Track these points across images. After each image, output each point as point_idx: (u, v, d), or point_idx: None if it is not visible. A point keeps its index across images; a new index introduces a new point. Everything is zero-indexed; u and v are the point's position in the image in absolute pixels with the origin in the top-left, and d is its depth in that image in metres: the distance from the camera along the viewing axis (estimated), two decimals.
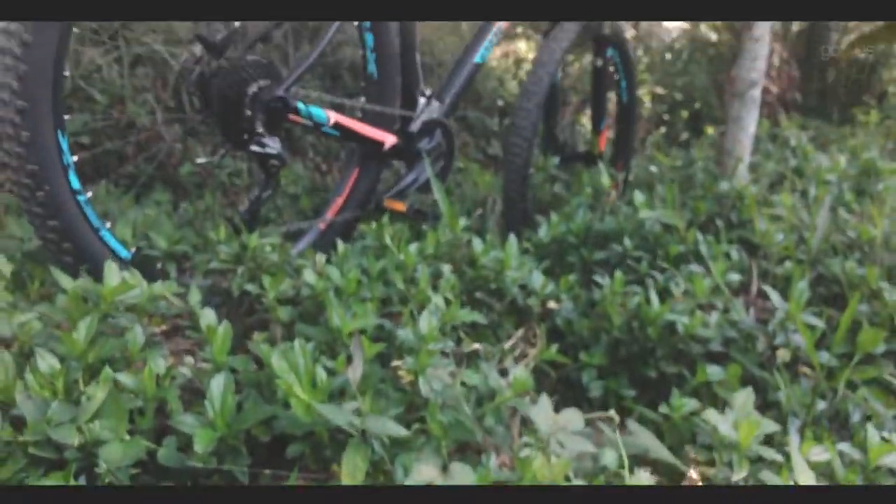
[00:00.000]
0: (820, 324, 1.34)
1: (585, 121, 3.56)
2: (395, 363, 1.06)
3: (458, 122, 3.62)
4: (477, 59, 1.97)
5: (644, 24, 4.64)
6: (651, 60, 4.56)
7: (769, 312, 1.54)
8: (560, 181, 2.24)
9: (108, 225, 1.37)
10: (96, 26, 2.41)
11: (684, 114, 4.31)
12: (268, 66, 1.50)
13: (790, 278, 1.64)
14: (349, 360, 0.92)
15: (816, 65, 5.14)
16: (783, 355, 1.31)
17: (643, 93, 4.28)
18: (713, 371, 1.27)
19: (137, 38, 2.59)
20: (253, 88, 1.46)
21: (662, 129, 4.28)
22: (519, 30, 4.63)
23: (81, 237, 1.30)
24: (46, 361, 0.91)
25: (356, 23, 1.76)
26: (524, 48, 4.46)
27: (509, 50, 4.38)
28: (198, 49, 1.49)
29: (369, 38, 1.77)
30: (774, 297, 1.37)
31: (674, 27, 4.77)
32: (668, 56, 4.77)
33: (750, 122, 2.04)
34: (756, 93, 2.02)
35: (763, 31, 1.98)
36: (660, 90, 4.33)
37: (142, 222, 1.62)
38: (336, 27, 1.56)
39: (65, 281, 1.19)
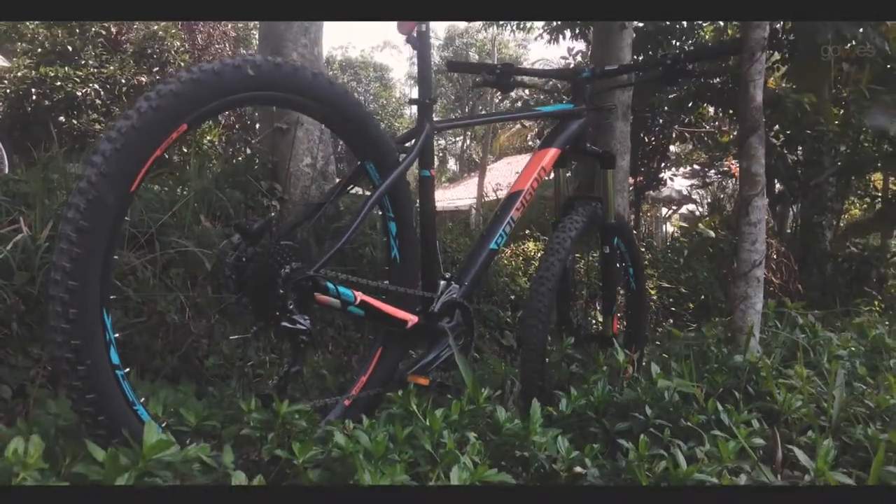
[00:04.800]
0: (850, 481, 1.33)
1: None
2: None
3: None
4: (492, 245, 2.10)
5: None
6: (654, 257, 4.75)
7: (796, 479, 1.53)
8: (577, 360, 2.28)
9: (143, 400, 1.41)
10: (136, 231, 2.58)
11: (690, 305, 4.42)
12: (299, 250, 1.61)
13: (814, 447, 1.63)
14: None
15: (815, 260, 5.34)
16: None
17: (650, 286, 4.42)
18: None
19: (172, 241, 2.76)
20: (286, 270, 1.57)
21: (671, 321, 4.37)
22: (527, 231, 4.89)
23: (117, 411, 1.33)
24: None
25: (380, 212, 1.90)
26: (532, 248, 4.68)
27: (519, 250, 4.60)
28: (235, 237, 1.62)
29: (392, 227, 1.91)
30: (801, 455, 1.37)
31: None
32: (670, 254, 4.98)
33: (757, 300, 2.13)
34: (759, 272, 2.13)
35: (760, 216, 2.12)
36: (665, 284, 4.48)
37: (172, 401, 1.66)
38: (362, 217, 1.70)
39: (98, 453, 1.22)
